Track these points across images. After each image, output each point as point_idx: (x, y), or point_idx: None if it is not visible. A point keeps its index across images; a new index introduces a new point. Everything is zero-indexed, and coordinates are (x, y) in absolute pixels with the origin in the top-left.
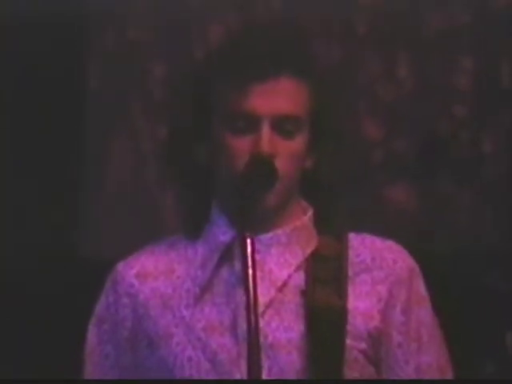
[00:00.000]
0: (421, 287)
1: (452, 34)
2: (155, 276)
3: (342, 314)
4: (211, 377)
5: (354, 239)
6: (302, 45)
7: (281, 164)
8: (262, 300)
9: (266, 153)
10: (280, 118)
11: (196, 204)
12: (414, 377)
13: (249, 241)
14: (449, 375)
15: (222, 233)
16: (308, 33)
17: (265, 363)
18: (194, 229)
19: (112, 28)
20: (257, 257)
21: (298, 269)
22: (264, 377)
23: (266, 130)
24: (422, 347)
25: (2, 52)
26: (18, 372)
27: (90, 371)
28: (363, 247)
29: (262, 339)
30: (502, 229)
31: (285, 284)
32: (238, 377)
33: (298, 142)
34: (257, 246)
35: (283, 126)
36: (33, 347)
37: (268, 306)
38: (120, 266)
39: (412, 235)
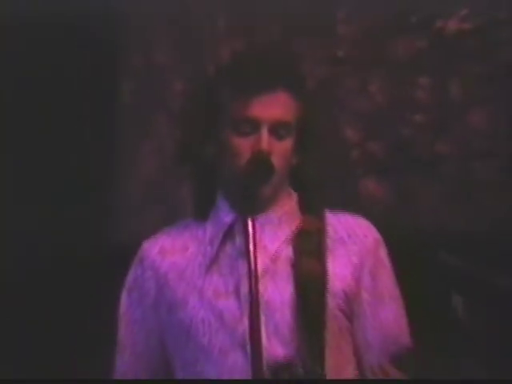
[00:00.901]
0: (384, 256)
1: (412, 58)
2: (172, 253)
3: (323, 278)
4: (220, 333)
5: (330, 217)
6: (294, 65)
7: (275, 161)
8: (259, 269)
9: (265, 151)
10: (276, 123)
11: (203, 192)
12: (375, 325)
13: (250, 223)
14: (404, 325)
15: (225, 215)
16: (298, 56)
17: (262, 319)
18: (203, 213)
19: (141, 53)
20: (254, 233)
21: (286, 243)
22: (262, 330)
23: (264, 133)
24: (384, 303)
25: (54, 67)
26: (58, 347)
27: (122, 334)
28: (339, 224)
29: (264, 299)
30: (456, 214)
31: (277, 255)
32: (240, 331)
33: (288, 143)
34: (254, 225)
35: (278, 130)
36: (68, 328)
37: (264, 273)
38: (145, 245)
39: (381, 219)
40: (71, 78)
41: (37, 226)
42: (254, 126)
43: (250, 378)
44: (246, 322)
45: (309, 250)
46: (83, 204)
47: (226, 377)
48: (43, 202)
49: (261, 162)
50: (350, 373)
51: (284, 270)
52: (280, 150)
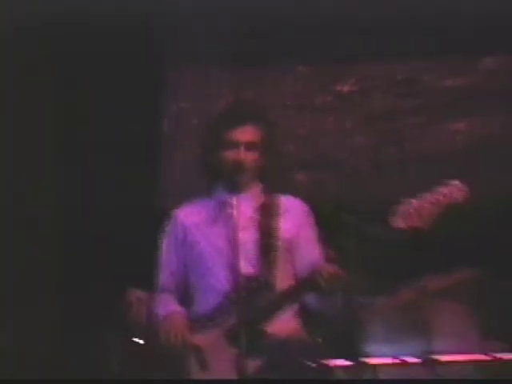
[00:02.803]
0: (311, 218)
1: (326, 105)
2: (192, 215)
3: (276, 229)
4: (218, 260)
5: (281, 197)
6: (260, 110)
7: (248, 165)
8: (240, 225)
9: (242, 159)
10: (248, 143)
11: (212, 181)
12: (306, 257)
13: (234, 200)
14: (320, 256)
15: (222, 194)
16: (261, 106)
17: (240, 252)
18: (210, 193)
19: (174, 102)
20: (237, 205)
21: (255, 210)
22: (241, 259)
23: (241, 149)
24: (310, 245)
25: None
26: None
27: (163, 259)
28: (285, 201)
29: (242, 242)
30: (348, 191)
31: (250, 218)
32: (229, 259)
33: (256, 154)
34: (237, 200)
35: (249, 147)
36: (120, 277)
37: (243, 227)
38: (177, 210)
39: (308, 197)
40: (138, 118)
41: (116, 196)
42: (236, 145)
43: (233, 285)
44: (231, 254)
45: (268, 215)
46: (144, 188)
47: (220, 283)
48: (120, 182)
49: (238, 165)
50: (289, 285)
51: (254, 226)
52: (251, 158)
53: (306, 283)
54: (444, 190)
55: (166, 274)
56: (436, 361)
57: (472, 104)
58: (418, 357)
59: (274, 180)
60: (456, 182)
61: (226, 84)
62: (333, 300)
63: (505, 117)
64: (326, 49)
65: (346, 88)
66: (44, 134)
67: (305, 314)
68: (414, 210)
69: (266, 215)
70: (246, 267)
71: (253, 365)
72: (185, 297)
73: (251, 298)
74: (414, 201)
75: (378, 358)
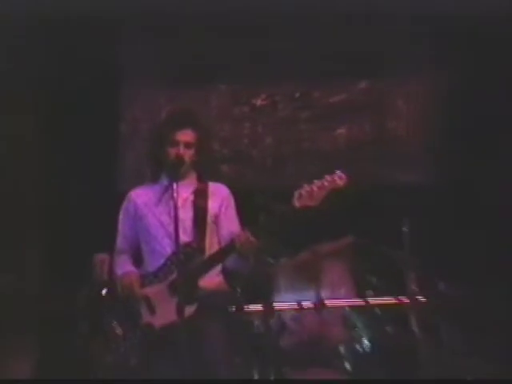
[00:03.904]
0: (232, 201)
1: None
2: (143, 196)
3: (205, 208)
4: (161, 231)
5: (210, 184)
6: (196, 118)
7: (186, 158)
8: (179, 204)
9: (181, 154)
10: (186, 143)
11: (157, 171)
12: (227, 228)
13: (174, 185)
14: (239, 227)
15: (165, 181)
16: (196, 113)
17: (180, 226)
18: (156, 179)
19: (130, 110)
20: (176, 189)
21: (191, 194)
22: (180, 230)
23: (181, 147)
24: (231, 220)
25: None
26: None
27: (120, 228)
28: (213, 186)
29: (180, 218)
30: (265, 181)
31: (187, 198)
32: (170, 230)
33: (192, 151)
34: (176, 185)
35: (187, 145)
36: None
37: (181, 206)
38: (131, 192)
39: (232, 184)
40: (109, 124)
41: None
42: (177, 143)
43: (173, 249)
44: (172, 227)
45: (200, 197)
46: (107, 175)
47: (163, 249)
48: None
49: (178, 159)
50: (215, 250)
51: (190, 205)
52: (188, 154)
53: (228, 248)
54: (329, 177)
55: (121, 240)
56: (325, 305)
57: (350, 114)
58: (311, 303)
59: (205, 171)
60: (338, 172)
61: (167, 97)
62: (248, 260)
63: (374, 124)
64: (242, 71)
65: (258, 101)
66: (37, 132)
67: (227, 271)
68: (305, 193)
69: (199, 197)
70: (183, 236)
71: (189, 310)
72: (137, 258)
73: (187, 260)
74: (306, 186)
75: (282, 304)
